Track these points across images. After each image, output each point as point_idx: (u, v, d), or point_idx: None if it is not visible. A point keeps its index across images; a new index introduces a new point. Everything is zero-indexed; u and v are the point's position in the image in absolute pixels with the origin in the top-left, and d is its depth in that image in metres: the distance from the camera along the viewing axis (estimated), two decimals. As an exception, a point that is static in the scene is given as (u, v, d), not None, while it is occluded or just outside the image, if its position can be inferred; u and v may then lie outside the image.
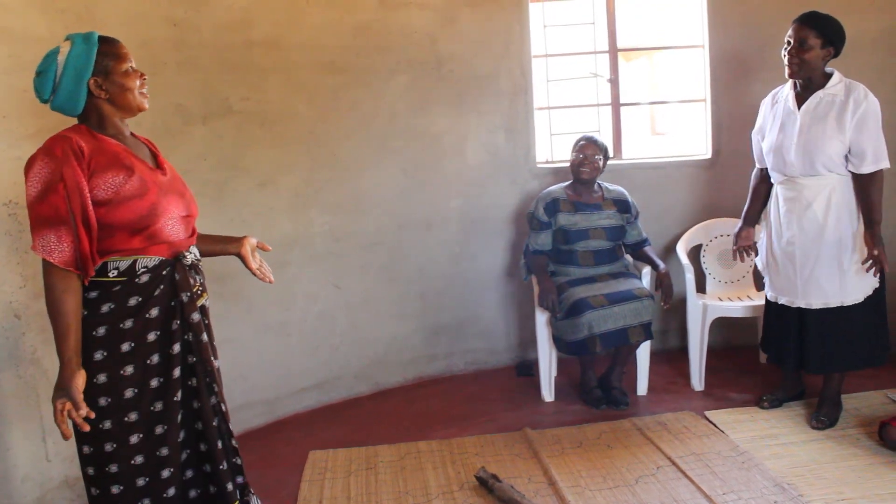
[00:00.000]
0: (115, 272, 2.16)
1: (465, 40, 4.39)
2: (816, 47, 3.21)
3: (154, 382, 2.20)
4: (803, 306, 3.38)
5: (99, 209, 2.12)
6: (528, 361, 4.62)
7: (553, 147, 4.79)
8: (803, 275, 3.35)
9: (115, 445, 2.16)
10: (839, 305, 3.32)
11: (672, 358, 4.42)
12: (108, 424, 2.15)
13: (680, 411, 3.78)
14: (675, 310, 4.19)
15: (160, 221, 2.22)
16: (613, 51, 4.73)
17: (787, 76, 3.32)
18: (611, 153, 4.23)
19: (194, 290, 2.28)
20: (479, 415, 3.93)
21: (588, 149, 4.03)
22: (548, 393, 4.07)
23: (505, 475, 3.14)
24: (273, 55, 3.90)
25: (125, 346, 2.16)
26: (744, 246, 3.67)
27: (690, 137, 5.42)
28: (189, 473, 2.31)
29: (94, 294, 2.16)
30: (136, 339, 2.17)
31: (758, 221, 3.67)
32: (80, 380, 2.08)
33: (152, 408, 2.20)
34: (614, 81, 4.77)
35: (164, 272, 2.22)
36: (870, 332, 3.39)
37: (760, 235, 3.64)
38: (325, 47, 4.07)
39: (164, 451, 2.22)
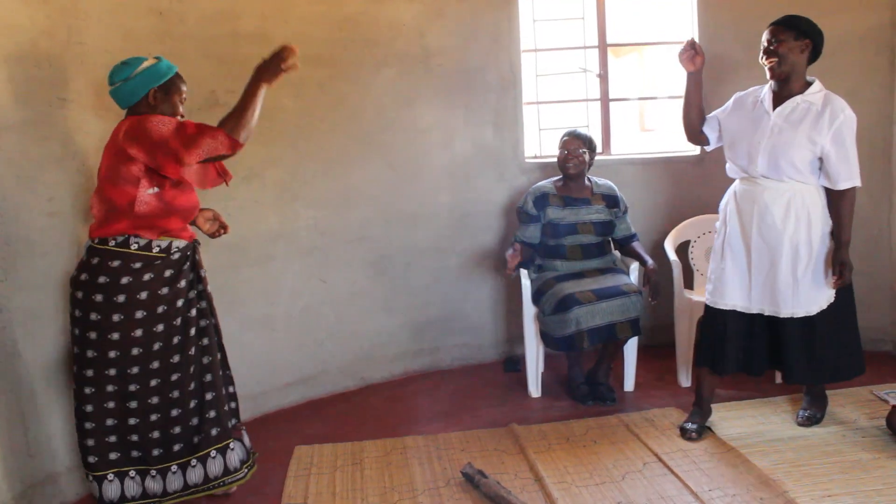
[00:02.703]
0: (157, 249, 2.76)
1: (453, 34, 4.37)
2: (790, 39, 3.15)
3: (175, 339, 2.82)
4: (755, 312, 3.30)
5: (171, 190, 2.76)
6: (515, 357, 4.61)
7: (542, 142, 4.78)
8: (758, 280, 3.28)
9: (138, 387, 2.77)
10: (790, 316, 3.25)
11: (659, 354, 4.42)
12: (135, 370, 2.75)
13: (667, 407, 3.78)
14: (663, 306, 4.18)
15: (196, 212, 2.96)
16: (603, 46, 4.73)
17: (769, 77, 3.25)
18: (598, 146, 4.22)
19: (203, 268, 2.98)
20: (466, 410, 3.92)
21: (571, 143, 4.03)
22: (535, 388, 4.06)
23: (491, 471, 3.13)
24: (260, 47, 3.81)
25: (160, 309, 2.76)
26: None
27: (679, 134, 5.40)
28: (194, 421, 2.88)
29: (138, 265, 2.71)
30: (168, 303, 2.78)
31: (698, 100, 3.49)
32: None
33: (171, 360, 2.81)
34: (603, 77, 4.76)
35: (188, 253, 2.88)
36: (836, 343, 3.31)
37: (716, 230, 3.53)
38: (311, 40, 4.03)
39: (175, 394, 2.83)
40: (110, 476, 2.82)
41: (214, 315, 3.03)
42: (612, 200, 4.10)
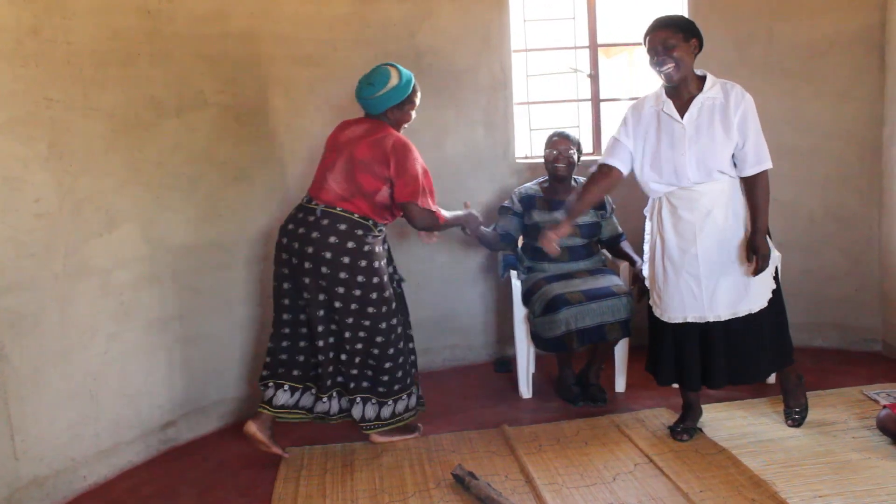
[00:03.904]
0: (379, 230, 3.40)
1: (444, 34, 4.36)
2: (681, 41, 3.08)
3: (394, 304, 3.47)
4: (712, 320, 3.22)
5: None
6: (505, 358, 4.61)
7: (532, 142, 4.77)
8: (709, 286, 3.20)
9: (350, 334, 3.36)
10: (747, 313, 3.21)
11: (650, 354, 4.41)
12: (349, 320, 3.34)
13: (658, 408, 3.77)
14: (654, 306, 4.18)
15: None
16: (594, 46, 4.72)
17: (668, 84, 3.16)
18: (583, 147, 4.20)
19: None
20: (457, 411, 3.91)
21: (561, 144, 4.01)
22: (525, 389, 4.06)
23: (482, 472, 3.12)
24: (249, 47, 3.85)
25: (388, 269, 3.49)
26: (549, 241, 3.33)
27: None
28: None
29: (370, 238, 3.33)
30: (384, 264, 3.43)
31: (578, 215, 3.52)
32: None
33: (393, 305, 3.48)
34: (594, 77, 4.75)
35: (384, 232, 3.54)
36: (776, 335, 3.31)
37: (644, 250, 3.48)
38: (301, 40, 4.02)
39: (399, 330, 3.50)
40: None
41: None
42: (598, 202, 4.08)
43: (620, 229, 4.16)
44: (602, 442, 3.43)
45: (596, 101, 4.78)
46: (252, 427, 3.34)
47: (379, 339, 3.37)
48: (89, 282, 3.21)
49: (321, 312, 3.33)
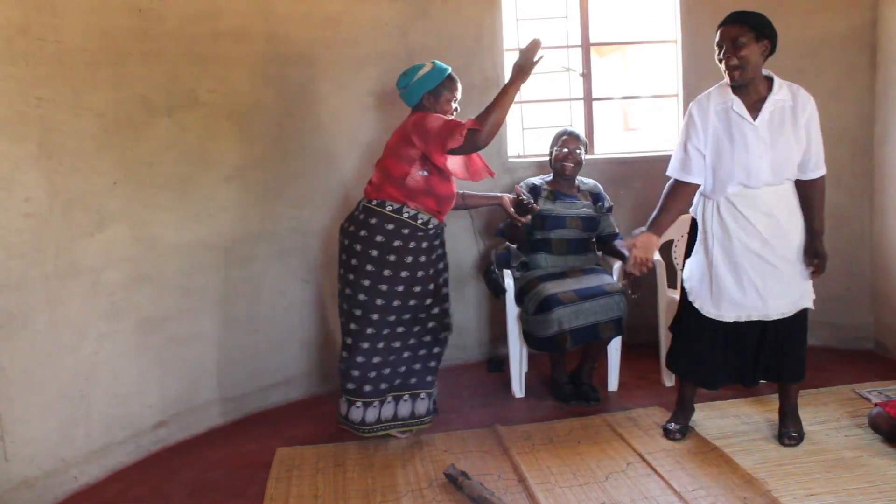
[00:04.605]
0: (420, 221, 3.38)
1: (436, 33, 4.35)
2: (751, 41, 3.02)
3: (427, 301, 3.50)
4: (774, 317, 3.19)
5: (436, 177, 3.36)
6: (498, 357, 4.60)
7: (525, 141, 4.77)
8: (769, 285, 3.17)
9: (388, 331, 3.42)
10: (796, 312, 3.21)
11: (642, 353, 4.42)
12: (391, 318, 3.40)
13: (650, 407, 3.77)
14: (646, 305, 4.18)
15: (452, 200, 3.54)
16: (586, 45, 4.72)
17: (732, 84, 3.10)
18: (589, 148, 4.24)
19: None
20: (450, 411, 3.90)
21: (571, 142, 4.06)
22: (518, 389, 4.05)
23: (475, 472, 3.11)
24: (240, 46, 3.83)
25: (419, 273, 3.42)
26: (642, 258, 3.19)
27: (663, 133, 5.42)
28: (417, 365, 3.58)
29: (406, 231, 3.34)
30: (425, 268, 3.44)
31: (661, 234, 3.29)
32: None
33: (419, 315, 3.50)
34: (587, 76, 4.75)
35: (439, 231, 3.53)
36: (801, 343, 3.31)
37: (694, 252, 3.37)
38: (293, 39, 4.01)
39: (412, 342, 3.51)
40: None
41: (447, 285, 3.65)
42: (596, 197, 4.15)
43: (617, 229, 4.18)
44: (594, 441, 3.43)
45: (588, 100, 4.78)
46: None
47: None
48: (80, 282, 3.20)
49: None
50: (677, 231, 4.38)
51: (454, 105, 3.51)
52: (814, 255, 3.17)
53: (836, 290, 4.52)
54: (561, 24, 4.72)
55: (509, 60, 4.55)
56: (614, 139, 8.94)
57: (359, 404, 3.43)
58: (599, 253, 4.24)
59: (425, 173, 3.33)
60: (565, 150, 4.05)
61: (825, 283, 4.49)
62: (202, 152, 3.71)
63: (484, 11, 4.42)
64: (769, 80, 3.13)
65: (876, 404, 3.33)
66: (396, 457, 3.39)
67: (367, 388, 3.41)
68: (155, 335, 3.56)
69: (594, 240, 4.19)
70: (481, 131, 3.16)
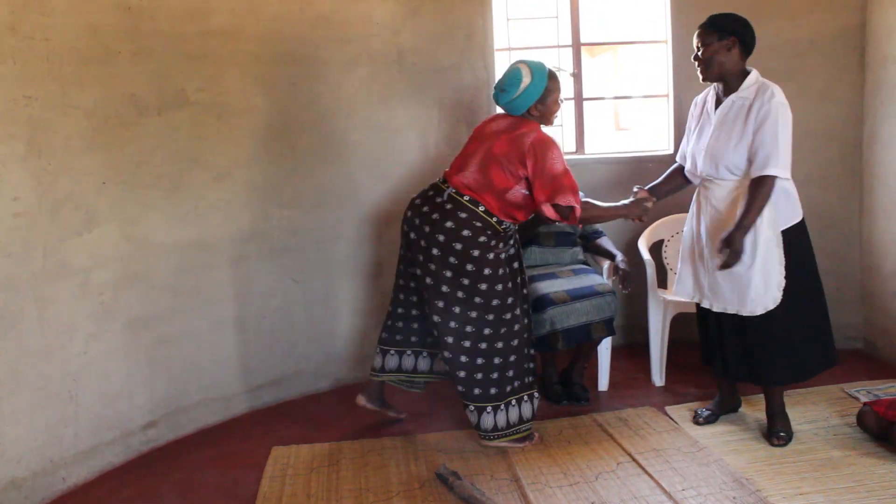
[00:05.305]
0: (503, 227, 3.35)
1: (427, 32, 4.34)
2: (714, 41, 3.15)
3: (509, 299, 3.37)
4: (715, 309, 3.29)
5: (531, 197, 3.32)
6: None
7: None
8: (711, 277, 3.26)
9: (473, 329, 3.34)
10: (751, 315, 3.19)
11: (633, 353, 4.43)
12: (474, 314, 3.33)
13: (640, 407, 3.78)
14: (636, 305, 4.20)
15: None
16: (577, 45, 4.73)
17: (701, 81, 3.28)
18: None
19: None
20: (443, 410, 3.90)
21: None
22: (509, 389, 4.05)
23: (468, 472, 3.11)
24: (231, 46, 3.82)
25: (500, 271, 3.34)
26: (641, 198, 3.50)
27: (654, 133, 5.43)
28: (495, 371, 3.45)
29: (490, 231, 3.30)
30: (505, 268, 3.39)
31: (659, 197, 3.58)
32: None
33: (503, 316, 3.36)
34: (577, 76, 4.76)
35: (516, 235, 3.60)
36: (781, 352, 3.25)
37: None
38: (284, 38, 4.00)
39: (499, 345, 3.39)
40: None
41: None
42: None
43: (600, 227, 4.21)
44: (585, 440, 3.43)
45: (579, 99, 4.78)
46: (361, 399, 3.62)
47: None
48: (68, 281, 3.18)
49: (426, 294, 3.38)
50: (667, 231, 4.40)
51: (561, 98, 3.43)
52: (726, 243, 3.09)
53: (826, 289, 4.53)
54: (552, 24, 4.73)
55: (500, 60, 4.56)
56: (605, 139, 8.95)
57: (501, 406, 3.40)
58: (586, 254, 4.26)
59: (526, 192, 3.29)
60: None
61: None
62: (192, 152, 3.70)
63: (475, 11, 4.41)
64: (746, 76, 3.22)
65: (865, 403, 3.34)
66: (390, 456, 3.38)
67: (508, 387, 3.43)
68: (144, 335, 3.54)
69: (578, 237, 4.21)
70: (577, 216, 3.28)
